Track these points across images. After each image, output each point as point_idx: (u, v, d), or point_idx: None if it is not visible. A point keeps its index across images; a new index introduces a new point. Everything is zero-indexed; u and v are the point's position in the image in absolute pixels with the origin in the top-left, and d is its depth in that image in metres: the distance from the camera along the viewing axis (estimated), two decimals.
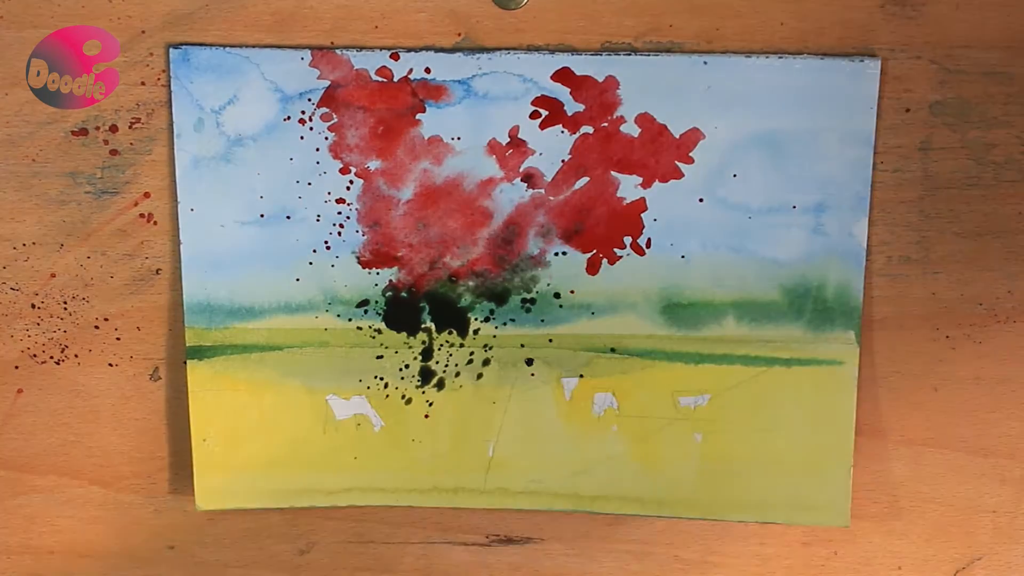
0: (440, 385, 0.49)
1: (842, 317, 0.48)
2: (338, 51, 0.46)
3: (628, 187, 0.47)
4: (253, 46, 0.46)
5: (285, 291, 0.48)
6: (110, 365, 0.49)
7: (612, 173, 0.47)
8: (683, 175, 0.47)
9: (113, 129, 0.47)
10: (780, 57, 0.46)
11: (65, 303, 0.49)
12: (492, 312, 0.48)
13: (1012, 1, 0.46)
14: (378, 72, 0.46)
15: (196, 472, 0.49)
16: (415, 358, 0.48)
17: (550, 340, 0.48)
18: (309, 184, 0.47)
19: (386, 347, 0.48)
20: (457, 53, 0.46)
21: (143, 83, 0.47)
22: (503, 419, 0.49)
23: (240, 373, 0.48)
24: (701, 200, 0.47)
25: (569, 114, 0.46)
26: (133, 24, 0.46)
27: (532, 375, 0.48)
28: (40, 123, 0.47)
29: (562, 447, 0.49)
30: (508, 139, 0.47)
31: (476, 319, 0.48)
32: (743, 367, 0.48)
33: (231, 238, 0.47)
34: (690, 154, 0.47)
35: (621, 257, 0.48)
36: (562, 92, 0.46)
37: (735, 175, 0.47)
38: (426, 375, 0.49)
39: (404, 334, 0.48)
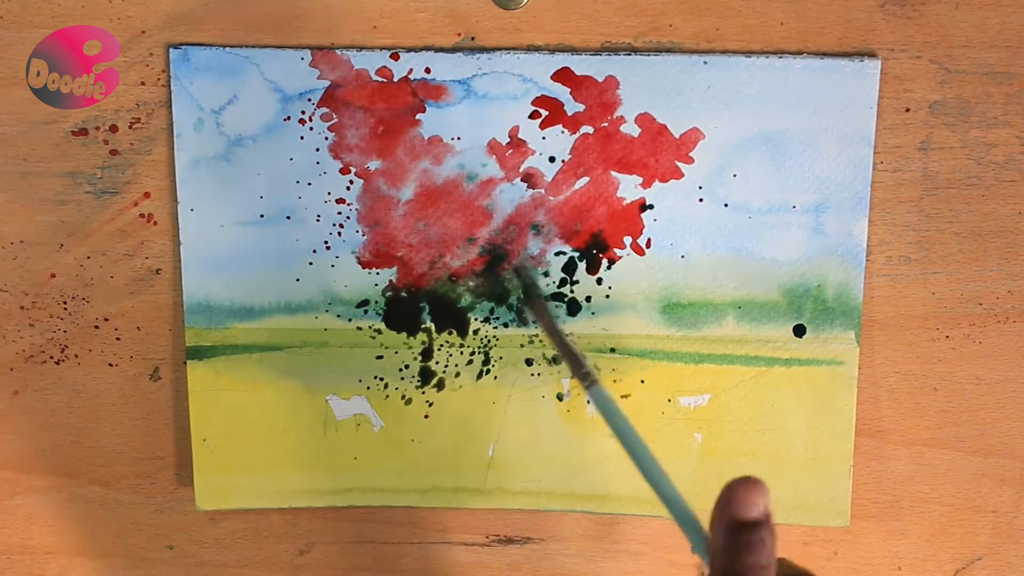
0: (440, 385, 0.49)
1: (842, 317, 0.48)
2: (338, 51, 0.46)
3: (628, 187, 0.47)
4: (253, 46, 0.46)
5: (285, 291, 0.48)
6: (110, 365, 0.49)
7: (612, 173, 0.47)
8: (683, 175, 0.47)
9: (113, 129, 0.47)
10: (780, 57, 0.46)
11: (65, 303, 0.49)
12: (492, 312, 0.48)
13: (1012, 1, 0.46)
14: (378, 72, 0.46)
15: (196, 472, 0.49)
16: (415, 358, 0.48)
17: None
18: (309, 184, 0.47)
19: (386, 347, 0.48)
20: (457, 53, 0.46)
21: (143, 83, 0.47)
22: (503, 419, 0.49)
23: (240, 373, 0.48)
24: (701, 200, 0.47)
25: (569, 114, 0.46)
26: (133, 24, 0.46)
27: (532, 375, 0.48)
28: (40, 123, 0.47)
29: (562, 447, 0.49)
30: (508, 139, 0.47)
31: (476, 319, 0.48)
32: (743, 367, 0.48)
33: (231, 238, 0.47)
34: (690, 154, 0.47)
35: (621, 257, 0.48)
36: (562, 92, 0.46)
37: (735, 175, 0.47)
38: (426, 375, 0.49)
39: (404, 334, 0.48)
